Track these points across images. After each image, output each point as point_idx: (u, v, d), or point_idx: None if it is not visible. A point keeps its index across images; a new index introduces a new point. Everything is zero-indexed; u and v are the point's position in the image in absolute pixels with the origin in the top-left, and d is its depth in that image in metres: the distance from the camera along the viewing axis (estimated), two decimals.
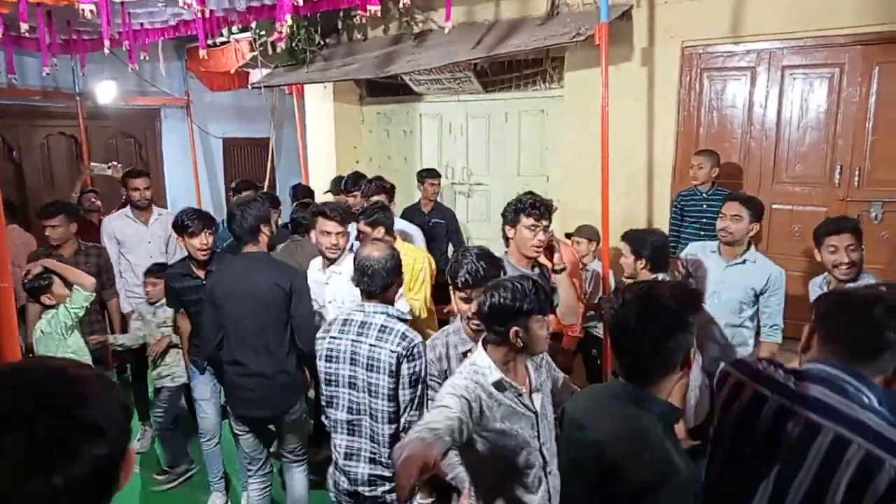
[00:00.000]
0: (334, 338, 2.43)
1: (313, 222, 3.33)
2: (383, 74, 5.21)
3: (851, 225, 2.97)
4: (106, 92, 6.91)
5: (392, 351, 2.30)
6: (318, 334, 2.54)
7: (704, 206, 4.10)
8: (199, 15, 4.08)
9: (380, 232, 3.42)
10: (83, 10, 3.30)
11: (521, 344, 1.91)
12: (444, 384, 1.97)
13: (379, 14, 3.70)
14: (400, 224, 4.24)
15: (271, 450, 3.36)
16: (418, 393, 2.34)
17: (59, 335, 3.33)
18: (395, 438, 2.35)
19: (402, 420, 2.34)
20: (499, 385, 1.92)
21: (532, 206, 2.77)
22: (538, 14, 4.84)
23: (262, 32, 5.75)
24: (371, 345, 2.34)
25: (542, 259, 2.88)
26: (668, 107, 4.49)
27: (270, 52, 5.92)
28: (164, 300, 3.81)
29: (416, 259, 3.51)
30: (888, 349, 1.46)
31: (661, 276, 3.18)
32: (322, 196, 5.49)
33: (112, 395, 0.95)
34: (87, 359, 3.39)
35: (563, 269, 2.85)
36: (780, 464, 1.48)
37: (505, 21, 4.99)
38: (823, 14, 3.84)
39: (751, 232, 3.26)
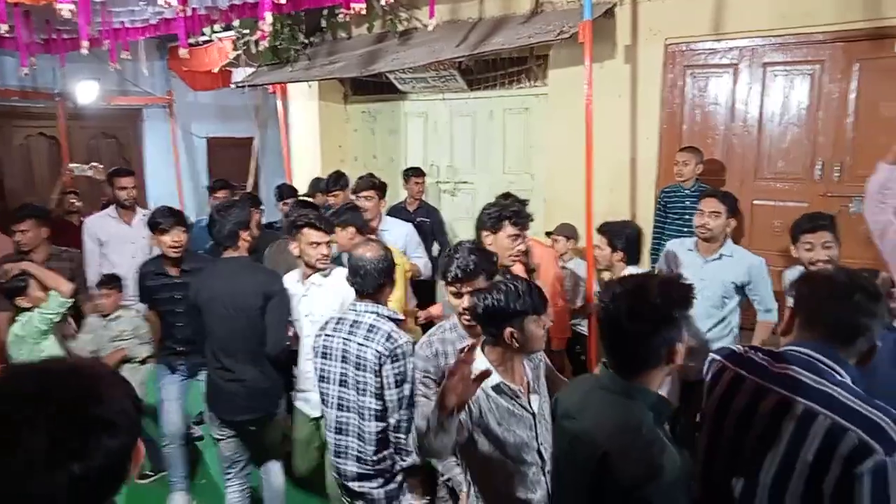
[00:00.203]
0: (329, 335, 2.47)
1: (295, 234, 3.11)
2: (367, 73, 5.20)
3: (827, 222, 2.98)
4: (86, 92, 6.83)
5: (377, 351, 2.31)
6: (315, 331, 2.55)
7: (687, 202, 4.10)
8: (181, 13, 4.04)
9: (350, 232, 3.39)
10: (62, 10, 3.26)
11: (517, 344, 1.92)
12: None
13: (363, 12, 3.67)
14: (390, 221, 4.23)
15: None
16: (406, 393, 2.34)
17: (32, 339, 3.27)
18: (382, 437, 2.37)
19: (392, 420, 2.35)
20: (497, 389, 1.94)
21: (517, 216, 2.72)
22: (522, 12, 4.86)
23: (246, 31, 5.70)
24: (360, 343, 2.36)
25: (517, 268, 2.82)
26: (652, 104, 4.52)
27: (254, 50, 5.88)
28: (118, 313, 3.79)
29: None
30: (863, 334, 1.53)
31: (632, 269, 3.16)
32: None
33: (124, 391, 1.02)
34: None
35: (532, 271, 2.84)
36: (756, 441, 1.53)
37: (489, 19, 5.00)
38: (804, 11, 3.90)
39: (728, 227, 3.28)
